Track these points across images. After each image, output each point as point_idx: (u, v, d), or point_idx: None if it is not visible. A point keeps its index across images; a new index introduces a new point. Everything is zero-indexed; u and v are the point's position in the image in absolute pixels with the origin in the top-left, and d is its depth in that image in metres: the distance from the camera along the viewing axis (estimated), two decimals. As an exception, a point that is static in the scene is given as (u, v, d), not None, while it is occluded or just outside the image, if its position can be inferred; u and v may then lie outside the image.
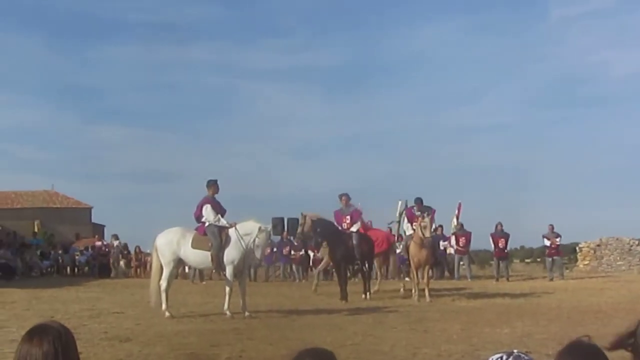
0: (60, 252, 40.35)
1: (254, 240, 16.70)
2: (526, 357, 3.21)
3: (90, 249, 40.85)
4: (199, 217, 17.42)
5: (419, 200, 21.85)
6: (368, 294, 21.83)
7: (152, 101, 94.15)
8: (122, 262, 39.76)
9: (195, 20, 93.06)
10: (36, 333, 3.23)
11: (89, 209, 61.89)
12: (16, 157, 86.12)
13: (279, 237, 34.02)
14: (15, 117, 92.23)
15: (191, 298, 21.24)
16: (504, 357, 3.21)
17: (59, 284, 28.03)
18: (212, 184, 17.65)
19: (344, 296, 20.79)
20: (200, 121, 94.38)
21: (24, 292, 24.17)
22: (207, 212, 17.23)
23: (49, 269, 38.28)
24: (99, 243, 42.15)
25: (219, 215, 17.16)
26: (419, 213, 21.40)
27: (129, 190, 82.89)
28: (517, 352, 3.26)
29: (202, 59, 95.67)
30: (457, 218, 33.24)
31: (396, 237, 31.41)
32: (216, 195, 17.63)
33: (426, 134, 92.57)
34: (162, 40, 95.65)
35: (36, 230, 50.96)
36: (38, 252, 39.20)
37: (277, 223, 32.97)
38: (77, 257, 40.66)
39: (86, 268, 39.32)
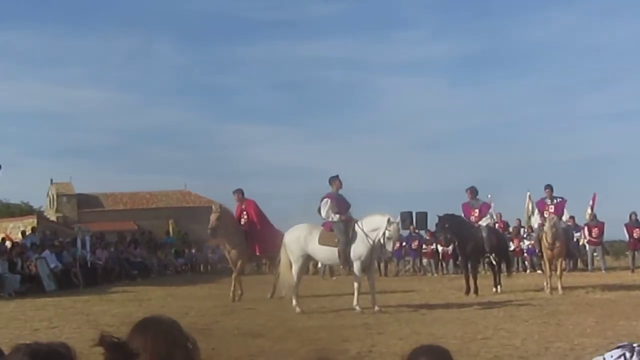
0: (193, 250, 41.34)
1: (384, 233, 16.60)
2: None
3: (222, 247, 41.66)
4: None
5: (549, 187, 21.42)
6: (499, 287, 21.53)
7: (280, 98, 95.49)
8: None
9: (320, 16, 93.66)
10: (146, 326, 3.28)
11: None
12: (151, 158, 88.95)
13: (407, 231, 33.88)
14: (148, 119, 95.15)
15: (321, 294, 21.38)
16: (627, 355, 3.01)
17: (193, 282, 28.74)
18: (335, 180, 17.68)
19: (475, 290, 20.62)
20: (327, 117, 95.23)
21: (159, 289, 24.90)
22: (323, 208, 17.25)
23: (183, 267, 39.30)
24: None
25: (329, 212, 17.15)
26: (549, 201, 21.05)
27: (259, 187, 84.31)
28: (638, 345, 3.05)
29: (328, 55, 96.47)
30: (592, 209, 32.41)
31: (525, 229, 30.97)
32: (340, 191, 17.67)
33: (554, 123, 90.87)
34: (288, 38, 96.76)
35: (170, 229, 52.34)
36: (172, 251, 40.31)
37: (406, 217, 32.83)
38: (209, 255, 41.60)
39: (219, 265, 40.15)
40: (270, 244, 20.98)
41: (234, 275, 20.89)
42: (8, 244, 29.49)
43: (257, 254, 21.53)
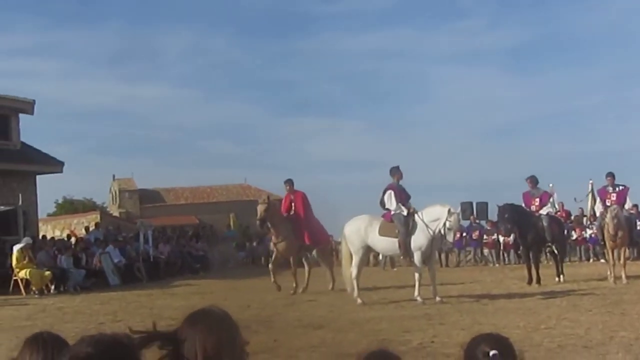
0: (254, 243, 41.57)
1: (445, 224, 16.55)
2: None
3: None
4: (383, 204, 17.51)
5: (610, 175, 21.07)
6: (561, 276, 21.30)
7: (338, 91, 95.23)
8: (314, 251, 40.49)
9: (377, 8, 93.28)
10: (196, 318, 3.29)
11: (281, 200, 62.79)
12: (210, 152, 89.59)
13: (468, 222, 33.69)
14: (208, 114, 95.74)
15: (382, 285, 21.36)
16: None
17: (254, 274, 28.85)
18: (396, 171, 17.67)
19: (538, 279, 20.41)
20: (385, 108, 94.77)
21: (221, 282, 25.12)
22: (389, 200, 17.24)
23: (245, 260, 39.52)
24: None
25: (399, 204, 17.12)
26: (611, 189, 20.75)
27: (320, 180, 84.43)
28: None
29: (384, 47, 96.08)
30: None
31: (588, 217, 30.53)
32: (401, 182, 17.66)
33: (616, 111, 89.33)
34: (344, 30, 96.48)
35: (231, 223, 52.67)
36: (234, 244, 40.58)
37: (466, 207, 32.66)
38: (270, 248, 41.74)
39: (280, 258, 40.30)
40: (318, 234, 21.15)
41: (292, 270, 21.06)
42: (72, 239, 30.04)
43: (307, 242, 21.47)
